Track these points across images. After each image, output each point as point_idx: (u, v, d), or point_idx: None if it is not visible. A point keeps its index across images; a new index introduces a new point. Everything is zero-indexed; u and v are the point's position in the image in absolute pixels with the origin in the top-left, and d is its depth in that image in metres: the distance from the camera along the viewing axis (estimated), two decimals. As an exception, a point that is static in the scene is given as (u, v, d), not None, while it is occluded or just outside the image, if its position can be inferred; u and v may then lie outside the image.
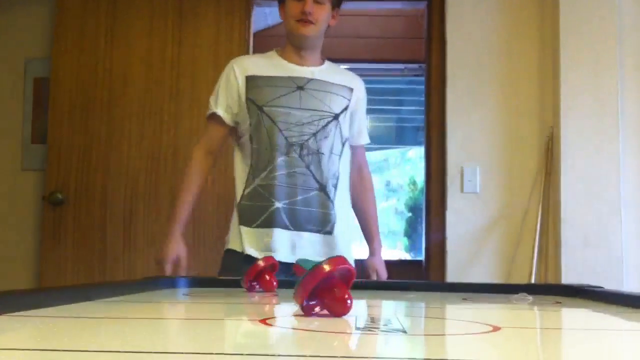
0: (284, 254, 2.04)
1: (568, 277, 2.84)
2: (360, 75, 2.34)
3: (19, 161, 3.13)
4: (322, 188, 2.09)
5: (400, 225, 6.67)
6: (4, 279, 2.99)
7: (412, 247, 5.51)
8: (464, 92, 3.12)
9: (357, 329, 0.93)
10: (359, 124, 2.24)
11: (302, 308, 0.99)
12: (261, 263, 1.49)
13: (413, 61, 4.50)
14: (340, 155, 2.13)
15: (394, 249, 7.31)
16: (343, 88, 2.17)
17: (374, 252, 2.26)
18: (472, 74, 3.12)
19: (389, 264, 2.32)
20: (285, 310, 1.24)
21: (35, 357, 0.65)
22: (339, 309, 0.98)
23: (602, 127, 2.96)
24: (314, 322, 0.96)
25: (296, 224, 2.07)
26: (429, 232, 3.16)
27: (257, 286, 1.52)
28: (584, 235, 2.90)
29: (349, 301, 0.97)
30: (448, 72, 3.12)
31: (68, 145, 3.04)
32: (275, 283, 1.48)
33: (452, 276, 3.00)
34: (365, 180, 2.30)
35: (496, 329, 0.99)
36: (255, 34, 3.37)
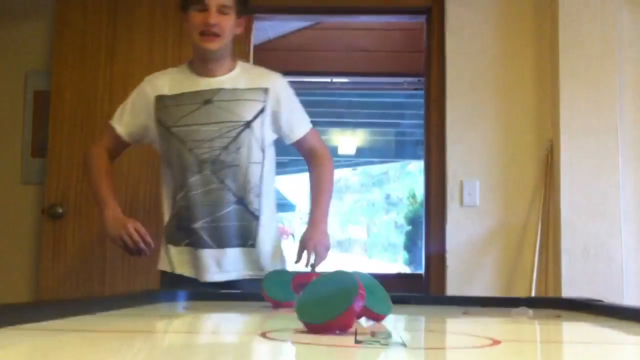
0: (211, 273, 2.03)
1: (568, 289, 2.83)
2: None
3: (19, 174, 3.13)
4: (241, 201, 2.03)
5: (400, 239, 6.68)
6: (3, 292, 2.98)
7: (412, 260, 5.50)
8: (464, 106, 3.12)
9: (357, 342, 0.93)
10: (287, 120, 2.10)
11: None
12: (314, 277, 1.45)
13: (413, 74, 4.52)
14: (262, 163, 2.06)
15: (394, 263, 7.30)
16: (255, 91, 2.07)
17: (313, 222, 2.07)
18: (472, 88, 3.13)
19: (389, 278, 2.29)
20: (286, 324, 1.24)
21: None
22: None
23: (601, 140, 2.96)
24: (314, 336, 0.96)
25: (219, 241, 2.02)
26: (429, 245, 3.15)
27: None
28: (584, 247, 2.90)
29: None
30: (448, 85, 3.13)
31: (68, 158, 3.04)
32: None
33: (452, 289, 2.99)
34: (319, 157, 2.17)
35: (496, 342, 0.99)
36: (255, 47, 3.38)
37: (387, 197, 7.97)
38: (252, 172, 2.03)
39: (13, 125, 3.17)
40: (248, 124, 2.02)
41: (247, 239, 2.05)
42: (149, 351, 0.89)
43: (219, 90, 2.04)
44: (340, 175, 7.67)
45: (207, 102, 2.03)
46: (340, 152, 5.86)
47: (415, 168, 5.79)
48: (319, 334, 0.97)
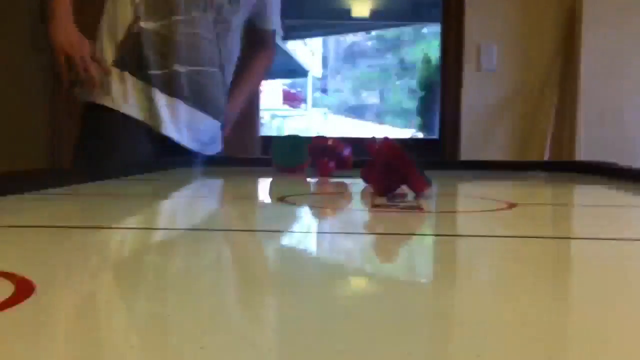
0: (173, 131, 1.66)
1: (582, 155, 2.84)
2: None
3: (28, 41, 3.09)
4: (222, 69, 1.75)
5: (413, 105, 6.63)
6: (19, 155, 3.00)
7: (425, 125, 5.50)
8: (484, -35, 3.00)
9: (375, 206, 0.95)
10: (266, 2, 1.85)
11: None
12: (330, 141, 1.43)
13: None
14: (240, 37, 1.82)
15: (408, 128, 7.31)
16: None
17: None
18: (493, -54, 2.99)
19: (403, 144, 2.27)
20: (299, 189, 1.26)
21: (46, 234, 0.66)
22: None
23: (624, 2, 2.86)
24: (333, 200, 0.98)
25: (196, 100, 1.68)
26: (444, 110, 3.14)
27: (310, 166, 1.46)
28: (601, 112, 2.88)
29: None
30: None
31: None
32: (332, 165, 1.41)
33: (466, 154, 3.01)
34: (267, 53, 1.95)
35: (512, 205, 1.01)
36: None
37: (401, 62, 7.82)
38: (237, 42, 1.80)
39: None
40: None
41: (219, 113, 1.79)
42: (167, 215, 0.92)
43: None
44: (353, 40, 7.51)
45: None
46: (354, 14, 5.70)
47: (430, 32, 5.63)
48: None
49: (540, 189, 1.37)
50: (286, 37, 5.29)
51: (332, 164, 1.46)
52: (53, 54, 1.54)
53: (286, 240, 0.68)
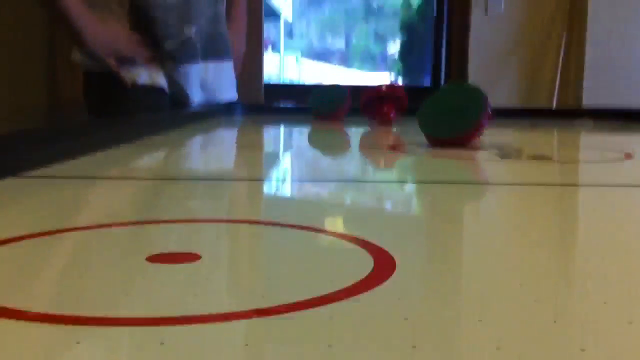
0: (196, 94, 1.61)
1: (589, 100, 2.86)
2: None
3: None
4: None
5: (379, 49, 6.57)
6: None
7: (408, 71, 5.46)
8: None
9: (504, 157, 0.92)
10: None
11: None
12: (383, 87, 1.42)
13: None
14: None
15: (376, 72, 7.26)
16: None
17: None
18: None
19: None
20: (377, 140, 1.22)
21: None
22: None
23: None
24: (450, 151, 0.95)
25: (205, 54, 1.60)
26: (450, 56, 3.10)
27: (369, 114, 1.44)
28: (608, 57, 2.89)
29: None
30: None
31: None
32: (393, 115, 1.41)
33: (472, 100, 2.98)
34: None
35: (628, 156, 0.99)
36: None
37: (367, 5, 7.70)
38: None
39: None
40: None
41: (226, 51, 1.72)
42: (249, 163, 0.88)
43: None
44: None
45: None
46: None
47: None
48: (442, 146, 0.96)
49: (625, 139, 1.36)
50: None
51: (392, 112, 1.43)
52: (101, 62, 1.43)
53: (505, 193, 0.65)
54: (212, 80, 1.63)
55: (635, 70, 2.90)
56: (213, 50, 1.62)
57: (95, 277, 0.33)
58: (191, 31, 1.55)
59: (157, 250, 0.37)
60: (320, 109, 1.53)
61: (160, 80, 1.51)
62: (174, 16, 1.51)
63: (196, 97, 1.59)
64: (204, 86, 1.61)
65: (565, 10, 2.95)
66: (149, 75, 1.49)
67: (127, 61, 1.46)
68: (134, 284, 0.32)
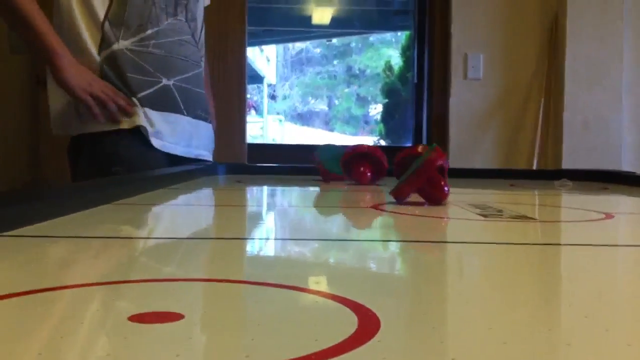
0: (182, 147, 1.60)
1: (567, 162, 2.90)
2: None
3: (6, 44, 2.95)
4: (201, 63, 1.66)
5: (361, 112, 6.67)
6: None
7: (389, 133, 5.53)
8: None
9: (484, 216, 0.93)
10: None
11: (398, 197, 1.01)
12: (365, 147, 1.44)
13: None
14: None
15: (359, 135, 7.35)
16: None
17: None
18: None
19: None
20: (383, 198, 1.23)
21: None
22: (437, 196, 1.01)
23: (606, 13, 2.95)
24: (433, 210, 0.95)
25: (189, 109, 1.59)
26: (431, 118, 3.15)
27: (344, 174, 1.46)
28: (584, 119, 2.95)
29: (446, 188, 1.01)
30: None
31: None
32: (369, 174, 1.43)
33: (453, 162, 3.03)
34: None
35: (609, 216, 1.00)
36: None
37: (349, 69, 7.86)
38: (203, 33, 1.70)
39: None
40: None
41: (208, 112, 1.72)
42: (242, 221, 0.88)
43: None
44: (302, 47, 7.53)
45: None
46: (315, 21, 5.68)
47: (393, 40, 5.67)
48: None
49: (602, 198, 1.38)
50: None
51: (369, 172, 1.45)
52: (76, 97, 1.44)
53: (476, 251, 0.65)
54: (196, 135, 1.63)
55: (612, 132, 2.96)
56: (196, 112, 1.63)
57: (77, 337, 0.32)
58: (167, 83, 1.54)
59: (139, 310, 0.37)
60: (331, 168, 1.53)
61: (140, 121, 1.50)
62: (148, 64, 1.51)
63: (176, 150, 1.57)
64: (182, 137, 1.59)
65: (542, 74, 3.03)
66: (126, 119, 1.49)
67: (101, 102, 1.45)
68: (116, 344, 0.31)
